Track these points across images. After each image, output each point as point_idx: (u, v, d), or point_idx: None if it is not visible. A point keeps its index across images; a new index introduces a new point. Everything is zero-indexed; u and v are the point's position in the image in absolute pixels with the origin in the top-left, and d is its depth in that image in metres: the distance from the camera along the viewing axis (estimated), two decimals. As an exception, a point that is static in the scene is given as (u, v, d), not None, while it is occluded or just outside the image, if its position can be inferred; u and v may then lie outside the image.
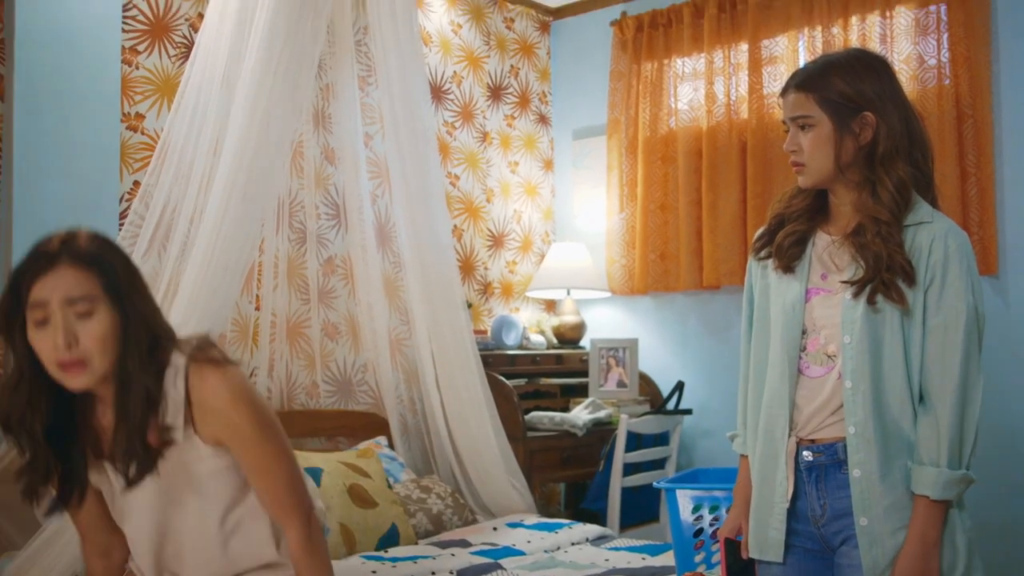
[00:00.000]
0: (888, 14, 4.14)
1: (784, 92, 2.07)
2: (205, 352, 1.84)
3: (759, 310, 2.16)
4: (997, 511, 3.59)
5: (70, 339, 1.68)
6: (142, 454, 1.76)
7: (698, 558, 2.67)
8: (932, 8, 4.04)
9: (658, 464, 4.38)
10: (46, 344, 1.69)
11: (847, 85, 2.00)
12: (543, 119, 5.28)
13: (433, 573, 3.05)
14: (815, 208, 2.12)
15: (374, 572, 3.01)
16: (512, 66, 5.10)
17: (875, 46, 4.13)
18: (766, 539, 2.05)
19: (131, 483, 1.77)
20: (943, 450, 1.90)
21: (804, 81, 2.04)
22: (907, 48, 4.10)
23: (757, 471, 2.09)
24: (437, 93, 4.63)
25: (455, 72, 4.78)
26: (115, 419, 1.77)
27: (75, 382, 1.72)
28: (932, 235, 1.97)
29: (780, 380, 2.05)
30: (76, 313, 1.69)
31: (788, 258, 2.07)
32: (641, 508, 4.34)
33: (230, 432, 1.82)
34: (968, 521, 1.97)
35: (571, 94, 5.28)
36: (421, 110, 3.96)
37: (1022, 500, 3.78)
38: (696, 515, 2.67)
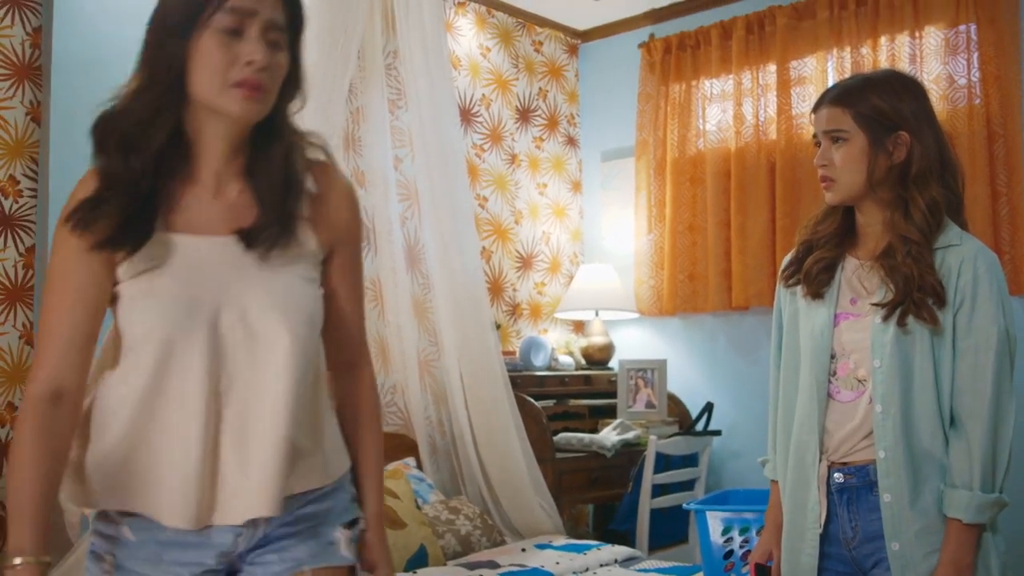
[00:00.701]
0: (918, 34, 4.13)
1: (817, 106, 2.08)
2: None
3: (788, 336, 2.17)
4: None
5: (268, 60, 1.48)
6: (281, 224, 1.55)
7: (728, 581, 2.67)
8: (962, 28, 4.03)
9: (687, 485, 4.36)
10: (227, 55, 1.47)
11: (884, 102, 2.01)
12: (571, 141, 5.30)
13: (462, 594, 3.07)
14: (843, 233, 2.11)
15: (404, 593, 3.02)
16: (540, 88, 5.13)
17: (904, 66, 4.13)
18: (799, 565, 2.04)
19: (259, 248, 1.53)
20: (976, 473, 1.89)
21: (840, 96, 2.04)
22: (937, 68, 4.09)
23: (788, 497, 2.09)
24: (466, 116, 4.66)
25: (484, 95, 4.81)
26: (261, 179, 1.57)
27: (246, 107, 1.49)
28: (961, 257, 1.96)
29: (810, 405, 2.05)
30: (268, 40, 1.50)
31: (817, 284, 2.07)
32: (670, 529, 4.32)
33: (345, 243, 1.67)
34: (1003, 545, 1.96)
35: (599, 116, 5.30)
36: (450, 133, 3.99)
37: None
38: (726, 537, 2.67)
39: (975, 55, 4.00)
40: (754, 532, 2.63)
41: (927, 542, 1.91)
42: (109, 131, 1.49)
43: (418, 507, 3.59)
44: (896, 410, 1.94)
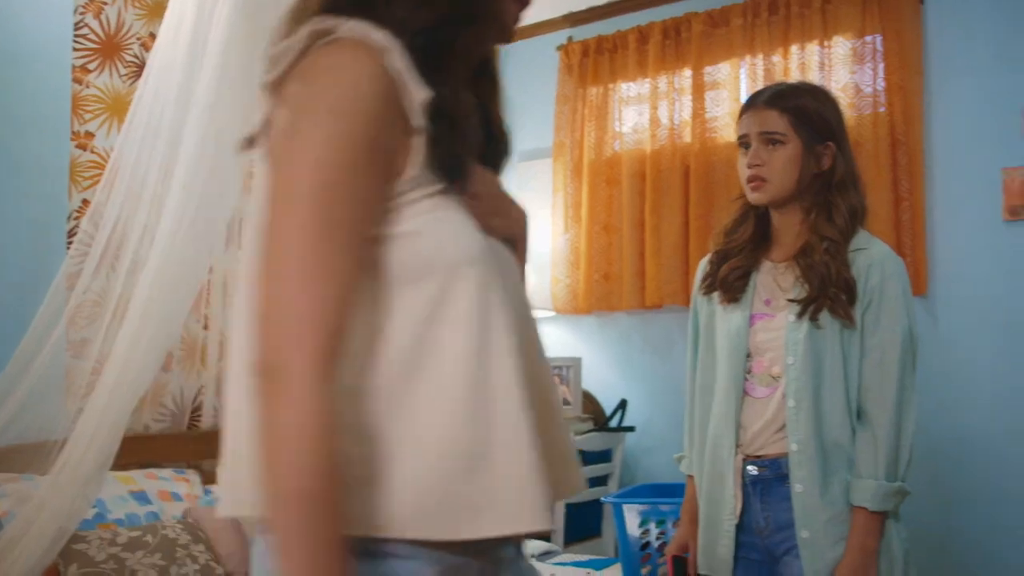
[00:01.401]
0: (826, 44, 4.28)
1: (751, 107, 2.16)
2: None
3: (704, 337, 2.25)
4: (933, 522, 3.72)
5: None
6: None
7: (644, 571, 2.75)
8: (868, 38, 4.19)
9: (601, 481, 4.45)
10: None
11: (816, 111, 2.12)
12: (490, 141, 5.34)
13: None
14: (757, 239, 2.20)
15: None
16: (459, 88, 5.16)
17: (814, 74, 4.28)
18: (716, 555, 2.13)
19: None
20: (880, 464, 2.00)
21: (776, 99, 2.13)
22: (844, 77, 4.24)
23: (705, 491, 2.17)
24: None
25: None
26: None
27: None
28: (871, 260, 2.08)
29: (727, 402, 2.13)
30: None
31: (733, 291, 2.16)
32: (584, 524, 4.41)
33: None
34: (904, 532, 2.07)
35: (517, 117, 5.33)
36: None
37: (957, 511, 3.91)
38: (643, 529, 2.75)
39: (880, 65, 4.16)
40: (670, 524, 2.72)
41: (835, 530, 2.01)
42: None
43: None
44: (808, 404, 2.03)
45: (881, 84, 4.16)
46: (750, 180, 2.14)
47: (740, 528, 2.12)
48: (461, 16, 1.18)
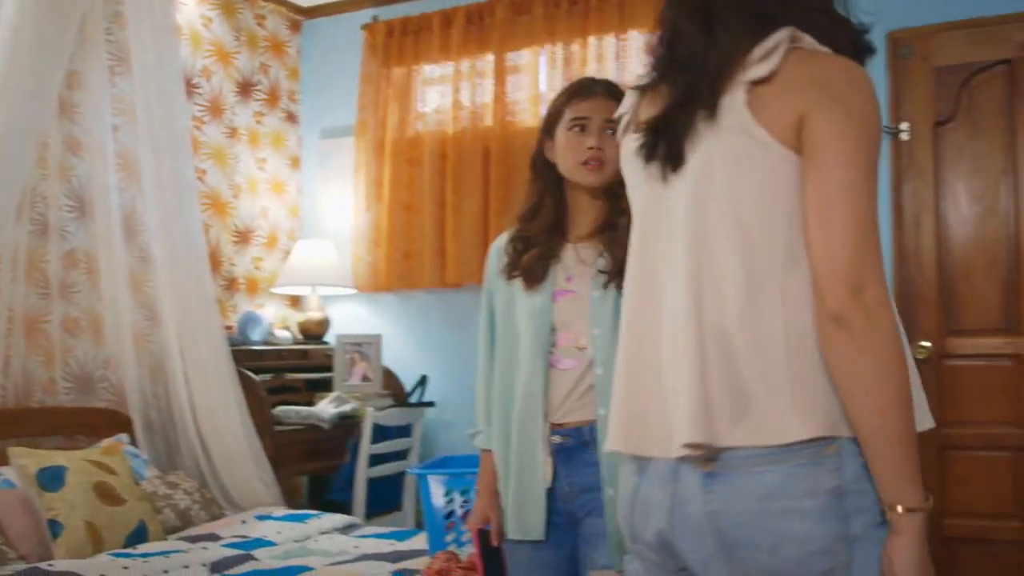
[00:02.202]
0: (622, 36, 4.49)
1: (590, 95, 2.26)
2: None
3: (504, 315, 2.33)
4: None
5: None
6: None
7: (449, 538, 2.85)
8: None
9: (401, 455, 4.54)
10: None
11: None
12: (291, 117, 5.32)
13: (186, 567, 3.06)
14: (553, 225, 2.32)
15: (126, 568, 2.98)
16: (262, 63, 5.11)
17: (610, 64, 4.49)
18: (527, 522, 2.24)
19: None
20: None
21: (615, 91, 2.24)
22: (638, 69, 4.46)
23: (515, 461, 2.26)
24: (186, 87, 4.57)
25: (205, 66, 4.74)
26: None
27: None
28: None
29: (533, 376, 2.23)
30: None
31: (536, 279, 2.27)
32: (385, 498, 4.48)
33: None
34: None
35: (320, 94, 5.35)
36: (175, 104, 3.94)
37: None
38: (448, 498, 2.85)
39: (668, 60, 4.40)
40: (473, 492, 2.83)
41: None
42: None
43: (136, 483, 3.55)
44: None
45: (670, 78, 4.40)
46: (589, 161, 2.22)
47: (549, 495, 2.24)
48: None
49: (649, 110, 1.51)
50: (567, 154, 2.24)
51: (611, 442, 1.51)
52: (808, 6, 1.43)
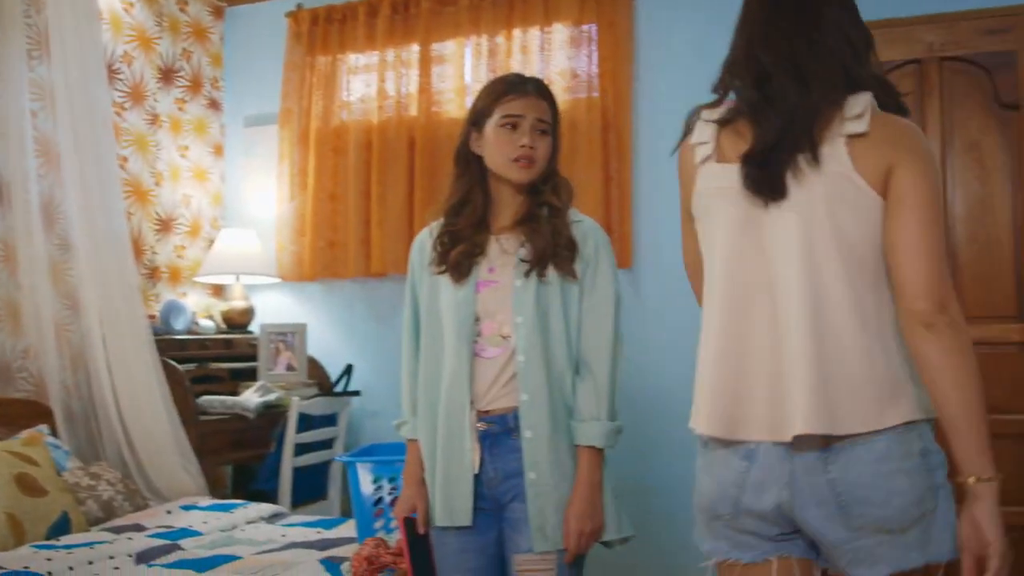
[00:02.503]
0: (547, 29, 4.54)
1: (523, 93, 2.31)
2: None
3: (428, 306, 2.38)
4: (631, 473, 4.08)
5: None
6: None
7: (377, 524, 2.89)
8: (585, 27, 4.49)
9: (327, 444, 4.55)
10: None
11: (557, 110, 2.37)
12: (214, 104, 5.27)
13: (111, 557, 3.05)
14: (477, 220, 2.38)
15: (50, 559, 2.95)
16: (184, 49, 5.05)
17: (535, 57, 4.54)
18: (455, 508, 2.29)
19: None
20: (602, 407, 2.26)
21: (547, 92, 2.37)
22: (562, 62, 4.53)
23: (442, 448, 2.31)
24: (107, 72, 4.51)
25: (126, 51, 4.67)
26: None
27: None
28: (585, 231, 2.34)
29: (459, 365, 2.29)
30: None
31: (462, 272, 2.32)
32: (311, 487, 4.49)
33: None
34: (610, 470, 2.34)
35: (244, 81, 5.31)
36: (97, 90, 3.89)
37: (652, 465, 4.33)
38: (376, 486, 2.89)
39: (595, 53, 4.48)
40: (401, 479, 2.87)
41: (559, 472, 2.24)
42: None
43: (58, 474, 3.51)
44: (537, 357, 2.25)
45: (595, 70, 4.48)
46: (520, 159, 2.29)
47: (476, 481, 2.30)
48: None
49: (737, 144, 1.79)
50: (498, 150, 2.30)
51: (709, 429, 1.78)
52: (869, 66, 1.80)
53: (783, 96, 1.73)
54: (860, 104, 1.71)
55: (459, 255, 2.32)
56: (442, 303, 2.34)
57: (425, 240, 2.43)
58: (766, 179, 1.73)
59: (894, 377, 1.69)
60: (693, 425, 1.85)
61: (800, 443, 1.68)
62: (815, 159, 1.70)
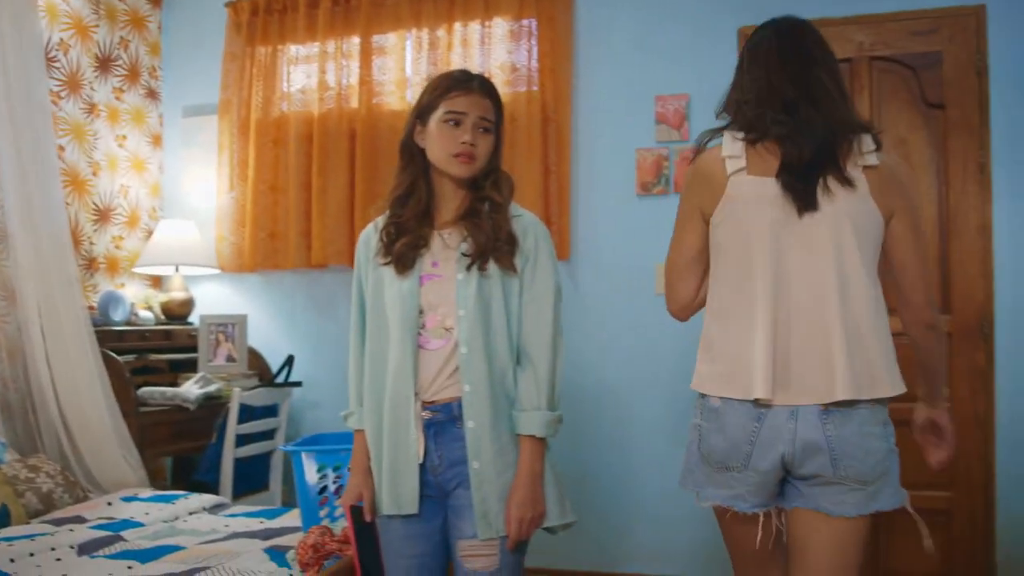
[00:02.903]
0: (487, 23, 4.59)
1: (468, 90, 2.36)
2: None
3: (373, 299, 2.43)
4: (571, 461, 4.16)
5: None
6: None
7: (322, 513, 2.92)
8: (525, 22, 4.55)
9: (268, 435, 4.56)
10: None
11: (502, 106, 2.41)
12: (152, 94, 5.22)
13: (53, 549, 3.04)
14: (422, 211, 2.42)
15: (-11, 552, 2.95)
16: (122, 38, 5.01)
17: (475, 51, 4.59)
18: (401, 496, 2.34)
19: None
20: (543, 397, 2.31)
21: (491, 91, 2.41)
22: (503, 56, 4.58)
23: (388, 438, 2.36)
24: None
25: (62, 39, 4.62)
26: None
27: None
28: (525, 225, 2.40)
29: (403, 356, 2.34)
30: None
31: (406, 264, 2.37)
32: (252, 477, 4.50)
33: None
34: (554, 457, 2.40)
35: (182, 71, 5.27)
36: (34, 76, 3.85)
37: (592, 452, 4.41)
38: (321, 475, 2.92)
39: (535, 47, 4.54)
40: (346, 468, 2.91)
41: (501, 460, 2.30)
42: None
43: (-4, 465, 3.49)
44: (479, 349, 2.30)
45: (535, 65, 4.54)
46: (460, 155, 2.34)
47: (421, 469, 2.34)
48: None
49: (765, 160, 2.19)
50: (439, 145, 2.35)
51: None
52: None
53: (810, 123, 2.15)
54: (869, 142, 2.18)
55: (403, 246, 2.37)
56: (387, 296, 2.38)
57: (371, 234, 2.47)
58: (803, 191, 2.15)
59: (885, 358, 2.16)
60: (701, 388, 2.26)
61: (804, 406, 2.14)
62: (843, 181, 2.14)
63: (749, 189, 2.20)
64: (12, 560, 2.92)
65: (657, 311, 4.40)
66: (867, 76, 4.13)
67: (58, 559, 2.99)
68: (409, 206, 2.40)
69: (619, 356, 4.48)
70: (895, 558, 4.05)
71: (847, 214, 2.14)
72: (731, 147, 2.22)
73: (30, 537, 3.13)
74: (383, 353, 2.39)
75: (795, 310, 2.16)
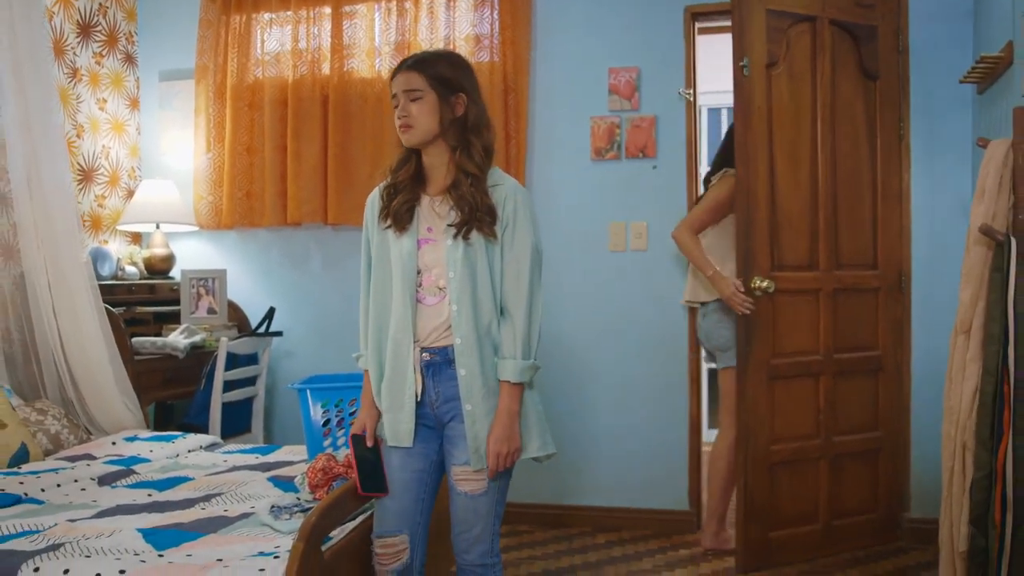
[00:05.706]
0: (452, -7, 4.91)
1: (399, 72, 2.69)
2: None
3: (379, 256, 2.76)
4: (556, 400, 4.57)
5: None
6: None
7: (326, 443, 3.29)
8: (488, -6, 4.88)
9: (250, 381, 4.89)
10: None
11: (449, 71, 2.69)
12: (130, 59, 5.45)
13: (76, 480, 3.36)
14: (416, 177, 2.76)
15: (22, 483, 3.26)
16: (101, 4, 5.22)
17: (441, 22, 4.90)
18: (399, 430, 2.71)
19: None
20: (518, 347, 2.66)
21: (416, 64, 2.67)
22: (467, 29, 4.90)
23: (389, 379, 2.71)
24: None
25: (47, 7, 4.83)
26: None
27: None
28: (505, 193, 2.70)
29: (404, 309, 2.68)
30: None
31: (403, 222, 2.70)
32: (235, 421, 4.84)
33: None
34: (538, 396, 2.77)
35: (158, 37, 5.49)
36: (36, 32, 4.04)
37: (554, 394, 4.80)
38: (324, 410, 3.29)
39: (496, 20, 4.87)
40: (347, 403, 3.28)
41: (489, 402, 2.66)
42: None
43: (12, 408, 3.77)
44: (467, 307, 2.65)
45: (497, 37, 4.87)
46: (400, 127, 2.67)
47: (419, 405, 2.71)
48: None
49: None
50: (396, 123, 2.69)
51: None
52: None
53: None
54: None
55: (399, 204, 2.71)
56: (392, 255, 2.73)
57: (375, 197, 2.81)
58: None
59: None
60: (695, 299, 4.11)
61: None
62: None
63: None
64: (43, 490, 3.24)
65: (609, 266, 4.83)
66: (829, 38, 4.27)
67: (83, 489, 3.32)
68: (403, 170, 2.74)
69: (575, 306, 4.88)
70: (839, 500, 4.44)
71: None
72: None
73: (53, 471, 3.44)
74: (386, 304, 2.73)
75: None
